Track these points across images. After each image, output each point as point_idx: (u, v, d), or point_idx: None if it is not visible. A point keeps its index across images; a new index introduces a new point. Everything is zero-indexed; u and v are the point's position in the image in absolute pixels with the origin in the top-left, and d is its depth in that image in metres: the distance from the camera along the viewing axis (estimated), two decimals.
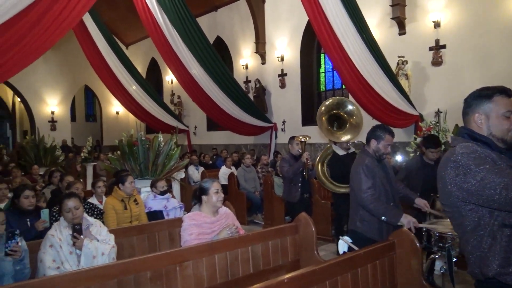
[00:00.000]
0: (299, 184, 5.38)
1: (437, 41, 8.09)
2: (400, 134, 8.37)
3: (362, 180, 3.39)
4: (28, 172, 8.83)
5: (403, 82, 8.15)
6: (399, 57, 8.32)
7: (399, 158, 7.21)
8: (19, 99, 18.84)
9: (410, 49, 8.47)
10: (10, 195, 4.80)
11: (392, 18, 8.64)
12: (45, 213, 4.02)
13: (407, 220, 3.27)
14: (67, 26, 7.17)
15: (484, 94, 2.00)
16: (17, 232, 2.99)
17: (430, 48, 8.20)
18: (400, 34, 8.71)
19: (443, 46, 8.05)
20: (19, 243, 2.98)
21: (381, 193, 3.41)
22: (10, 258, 2.95)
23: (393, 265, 3.15)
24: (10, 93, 19.86)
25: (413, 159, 5.17)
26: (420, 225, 3.31)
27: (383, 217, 3.31)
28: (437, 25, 8.04)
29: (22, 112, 19.96)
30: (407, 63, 8.31)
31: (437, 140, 4.65)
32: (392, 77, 7.77)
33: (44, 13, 6.51)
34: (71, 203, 3.23)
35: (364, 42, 7.45)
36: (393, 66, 8.13)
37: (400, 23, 8.60)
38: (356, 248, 3.29)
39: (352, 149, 5.54)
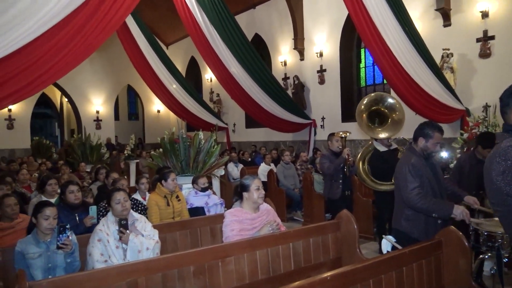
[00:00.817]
0: (340, 181, 5.31)
1: (485, 32, 7.74)
2: (444, 130, 8.03)
3: (408, 179, 3.27)
4: (76, 169, 9.19)
5: (448, 75, 7.86)
6: (443, 49, 8.03)
7: (444, 154, 6.95)
8: (66, 100, 19.70)
9: (455, 41, 8.14)
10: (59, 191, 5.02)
11: (436, 10, 8.33)
12: (93, 210, 4.16)
13: (459, 211, 3.10)
14: (111, 29, 7.42)
15: None
16: (68, 226, 3.13)
17: (478, 40, 7.85)
18: (445, 25, 8.39)
19: (492, 37, 7.69)
20: (70, 237, 3.12)
21: (428, 192, 3.29)
22: (61, 251, 3.10)
23: (440, 265, 3.05)
24: (58, 93, 20.80)
25: (464, 157, 4.96)
26: (472, 219, 3.16)
27: (434, 214, 3.18)
28: (485, 15, 7.69)
29: (69, 111, 20.86)
30: (452, 56, 8.00)
31: (495, 138, 4.41)
32: (436, 70, 7.51)
33: (90, 16, 6.75)
34: (120, 195, 3.35)
35: (406, 35, 7.25)
36: (437, 59, 7.85)
37: (445, 14, 8.28)
38: (400, 248, 3.20)
39: (394, 146, 5.39)
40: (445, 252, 3.06)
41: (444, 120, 7.72)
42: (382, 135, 5.33)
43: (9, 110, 15.82)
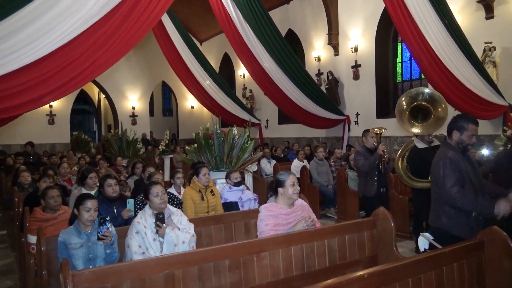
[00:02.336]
0: (375, 178, 5.24)
1: None
2: (486, 126, 7.79)
3: (446, 175, 3.18)
4: (113, 164, 9.44)
5: (490, 70, 7.56)
6: (485, 43, 7.72)
7: (485, 152, 6.69)
8: (104, 96, 20.25)
9: (498, 34, 7.80)
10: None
11: (478, 2, 8.02)
12: (130, 203, 4.27)
13: (502, 209, 3.00)
14: (148, 26, 7.56)
15: None
16: (108, 218, 3.22)
17: None
18: (487, 18, 8.05)
19: None
20: (110, 229, 3.20)
21: (467, 186, 3.19)
22: (101, 242, 3.19)
23: (482, 266, 2.95)
24: (96, 90, 21.44)
25: (503, 153, 4.78)
26: None
27: (473, 213, 3.08)
28: None
29: (106, 107, 21.45)
30: (495, 50, 7.69)
31: None
32: (478, 64, 7.24)
33: (127, 15, 6.90)
34: (158, 188, 3.41)
35: (446, 28, 7.02)
36: (478, 53, 7.56)
37: (488, 6, 7.95)
38: (438, 246, 3.11)
39: (436, 142, 5.23)
40: (487, 253, 2.94)
41: (485, 116, 7.44)
42: (414, 130, 5.20)
43: (50, 106, 16.43)
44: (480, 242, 2.96)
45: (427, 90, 5.30)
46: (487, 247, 2.95)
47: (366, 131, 5.49)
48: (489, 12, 7.98)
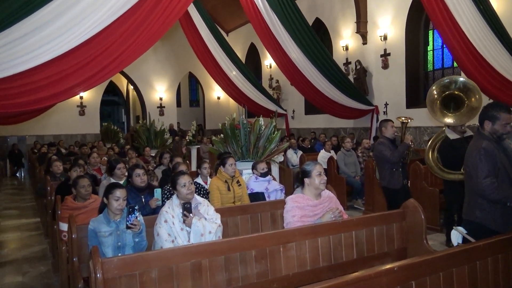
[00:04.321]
0: (400, 169, 5.09)
1: None
2: None
3: (479, 166, 3.06)
4: (141, 154, 9.59)
5: None
6: None
7: None
8: (132, 87, 20.60)
9: None
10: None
11: None
12: (158, 192, 4.31)
13: None
14: (174, 17, 7.59)
15: None
16: (136, 207, 3.26)
17: None
18: None
19: None
20: (138, 218, 3.24)
21: (503, 177, 3.06)
22: (130, 231, 3.24)
23: None
24: (124, 81, 21.82)
25: None
26: None
27: (508, 203, 2.96)
28: None
29: (135, 98, 21.83)
30: None
31: None
32: None
33: (154, 6, 6.95)
34: (185, 178, 3.43)
35: (481, 14, 6.76)
36: None
37: None
38: (472, 240, 3.01)
39: (469, 133, 5.03)
40: None
41: None
42: (447, 120, 5.01)
43: (81, 98, 16.85)
44: None
45: (461, 79, 5.09)
46: None
47: (385, 121, 5.32)
48: None
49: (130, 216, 3.18)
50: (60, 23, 6.08)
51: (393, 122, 5.26)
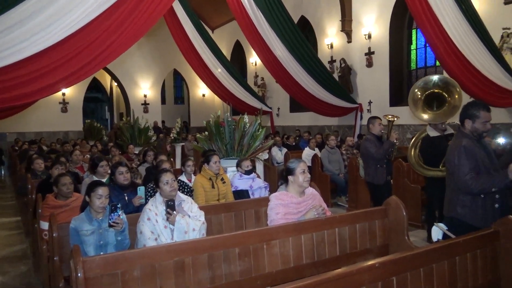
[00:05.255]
0: (385, 166, 5.19)
1: None
2: (502, 114, 7.64)
3: (460, 164, 3.12)
4: (125, 151, 9.49)
5: (507, 57, 7.37)
6: (503, 29, 7.53)
7: (501, 140, 6.54)
8: (116, 84, 20.35)
9: None
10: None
11: None
12: (141, 190, 4.29)
13: None
14: (159, 13, 7.53)
15: None
16: (119, 205, 3.23)
17: None
18: (506, 3, 7.83)
19: None
20: (121, 216, 3.22)
21: (483, 174, 3.12)
22: (112, 229, 3.21)
23: (497, 256, 2.89)
24: (108, 78, 21.55)
25: None
26: None
27: (493, 188, 3.01)
28: None
29: (118, 95, 21.57)
30: None
31: None
32: (495, 51, 7.07)
33: (139, 1, 6.87)
34: (168, 176, 3.41)
35: (463, 14, 6.85)
36: (496, 39, 7.37)
37: None
38: (452, 236, 3.06)
39: (450, 130, 5.13)
40: (502, 243, 2.89)
41: (502, 104, 7.29)
42: (425, 116, 5.11)
43: (63, 94, 16.59)
44: (495, 232, 2.90)
45: (435, 77, 5.18)
46: (502, 237, 2.90)
47: (372, 118, 5.40)
48: None
49: (112, 214, 3.15)
50: (42, 17, 5.98)
51: (380, 120, 5.33)
